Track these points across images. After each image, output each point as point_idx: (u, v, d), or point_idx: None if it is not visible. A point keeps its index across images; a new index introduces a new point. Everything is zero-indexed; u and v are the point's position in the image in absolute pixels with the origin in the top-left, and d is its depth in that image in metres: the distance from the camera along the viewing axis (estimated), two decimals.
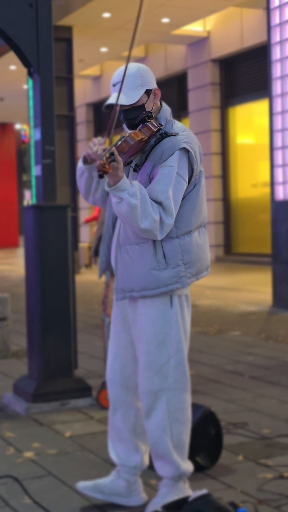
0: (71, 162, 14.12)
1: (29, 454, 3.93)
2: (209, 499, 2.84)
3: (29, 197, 30.43)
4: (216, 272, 14.52)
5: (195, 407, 3.69)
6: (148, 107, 3.01)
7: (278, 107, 9.32)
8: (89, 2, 13.24)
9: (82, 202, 19.92)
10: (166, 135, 2.96)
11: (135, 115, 2.98)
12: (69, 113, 14.28)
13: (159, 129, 2.95)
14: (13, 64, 17.36)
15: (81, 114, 22.64)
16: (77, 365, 5.49)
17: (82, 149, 22.78)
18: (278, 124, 9.33)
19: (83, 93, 21.98)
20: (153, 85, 3.04)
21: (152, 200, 2.88)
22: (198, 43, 16.91)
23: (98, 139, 3.04)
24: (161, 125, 2.98)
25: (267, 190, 14.02)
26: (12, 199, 30.04)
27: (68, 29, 14.48)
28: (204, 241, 3.10)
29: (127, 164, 3.04)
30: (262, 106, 14.92)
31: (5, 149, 30.56)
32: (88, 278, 13.45)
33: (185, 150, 2.95)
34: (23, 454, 3.95)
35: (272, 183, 9.43)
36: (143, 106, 2.99)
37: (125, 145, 2.86)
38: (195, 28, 16.43)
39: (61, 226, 4.87)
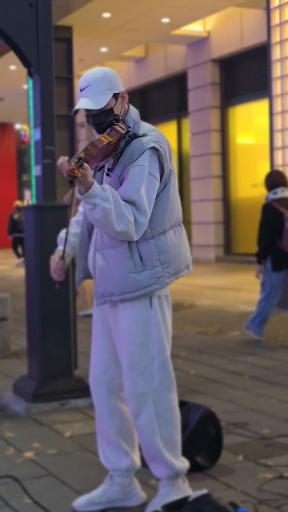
0: None
1: (29, 454, 3.93)
2: (209, 499, 2.84)
3: (29, 197, 30.43)
4: (216, 272, 14.52)
5: (195, 407, 3.70)
6: (116, 111, 2.98)
7: (278, 107, 9.32)
8: (89, 2, 13.24)
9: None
10: (135, 136, 2.96)
11: (103, 119, 2.96)
12: (69, 113, 14.27)
13: (128, 131, 2.95)
14: (13, 64, 17.36)
15: (81, 114, 22.58)
16: (77, 365, 5.49)
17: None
18: (278, 124, 9.33)
19: None
20: (121, 88, 3.01)
21: (125, 200, 2.86)
22: (198, 43, 16.91)
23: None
24: (129, 127, 2.97)
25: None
26: (12, 199, 30.03)
27: (68, 29, 14.48)
28: (181, 240, 3.08)
29: (99, 169, 3.03)
30: (262, 106, 14.92)
31: (5, 149, 30.56)
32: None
33: (155, 149, 2.94)
34: (23, 454, 3.95)
35: None
36: (111, 110, 2.97)
37: (94, 149, 2.83)
38: (195, 28, 16.42)
39: (61, 226, 4.85)
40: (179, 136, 18.93)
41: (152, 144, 2.92)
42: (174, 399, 3.09)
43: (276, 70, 9.32)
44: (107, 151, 2.91)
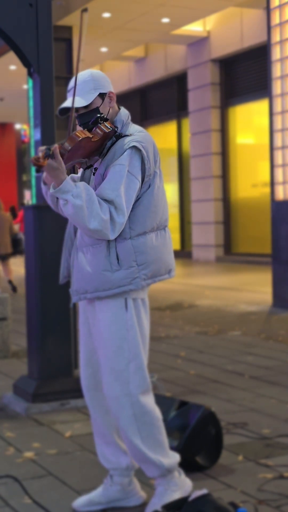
0: None
1: (29, 454, 3.93)
2: (209, 499, 2.84)
3: (29, 197, 30.47)
4: (216, 272, 14.52)
5: (195, 407, 3.70)
6: (103, 111, 2.99)
7: (278, 107, 9.32)
8: (89, 2, 13.24)
9: None
10: (120, 136, 2.96)
11: (89, 118, 2.97)
12: (69, 113, 14.28)
13: (114, 131, 2.95)
14: (13, 64, 17.36)
15: None
16: (77, 365, 5.49)
17: None
18: (278, 124, 9.33)
19: None
20: (108, 89, 3.01)
21: (103, 199, 2.86)
22: (198, 43, 16.91)
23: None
24: (116, 127, 2.97)
25: (267, 190, 14.01)
26: (12, 199, 30.04)
27: (68, 29, 14.49)
28: (163, 243, 3.06)
29: (87, 167, 3.04)
30: (262, 106, 14.92)
31: (5, 149, 30.57)
32: None
33: (137, 149, 2.92)
34: (23, 454, 3.95)
35: (272, 183, 9.43)
36: (97, 109, 2.98)
37: (69, 143, 2.84)
38: (195, 28, 16.42)
39: (61, 226, 4.85)
40: (179, 136, 18.93)
41: (134, 144, 2.91)
42: (151, 401, 3.08)
43: (276, 70, 9.32)
44: (87, 147, 2.90)
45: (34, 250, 4.87)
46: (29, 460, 3.86)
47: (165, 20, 14.74)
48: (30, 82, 5.09)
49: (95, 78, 3.00)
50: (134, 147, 2.92)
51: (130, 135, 2.96)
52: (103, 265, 2.95)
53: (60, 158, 2.78)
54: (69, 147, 2.84)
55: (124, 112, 3.05)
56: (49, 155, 2.72)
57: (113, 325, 2.99)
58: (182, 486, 3.14)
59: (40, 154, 2.72)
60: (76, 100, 2.94)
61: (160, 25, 15.06)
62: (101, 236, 2.88)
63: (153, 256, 3.01)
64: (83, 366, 3.21)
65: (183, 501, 2.90)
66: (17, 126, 31.12)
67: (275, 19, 9.34)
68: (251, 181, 16.54)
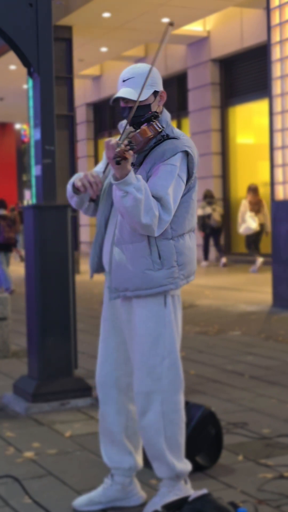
0: (71, 162, 14.11)
1: (29, 454, 3.93)
2: (209, 499, 2.84)
3: (29, 197, 30.48)
4: (216, 272, 14.52)
5: (195, 407, 3.70)
6: (153, 108, 3.04)
7: (278, 107, 9.32)
8: (89, 2, 13.24)
9: None
10: (167, 137, 2.99)
11: (140, 113, 2.99)
12: (69, 113, 14.26)
13: (161, 131, 2.98)
14: (13, 64, 17.36)
15: (81, 114, 22.63)
16: (77, 365, 5.49)
17: (82, 149, 22.78)
18: (278, 124, 9.33)
19: (83, 93, 21.97)
20: (161, 88, 3.07)
21: (152, 195, 2.89)
22: (198, 43, 16.91)
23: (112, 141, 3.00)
24: (163, 127, 3.01)
25: (267, 190, 14.01)
26: (12, 199, 30.04)
27: (68, 29, 14.47)
28: (194, 245, 3.13)
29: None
30: (262, 106, 14.91)
31: (5, 149, 30.58)
32: (88, 278, 13.43)
33: (186, 153, 2.99)
34: (23, 454, 3.95)
35: (272, 183, 9.43)
36: (149, 106, 3.02)
37: (142, 135, 2.89)
38: (195, 28, 16.42)
39: (61, 226, 4.87)
40: None
41: (186, 148, 2.97)
42: (181, 401, 3.09)
43: (276, 70, 9.32)
44: (143, 144, 2.94)
45: (34, 250, 4.87)
46: (29, 460, 3.86)
47: (165, 20, 14.73)
48: (30, 82, 5.09)
49: (153, 74, 3.02)
50: (185, 151, 2.96)
51: (177, 138, 2.99)
52: (145, 264, 2.97)
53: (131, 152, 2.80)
54: (139, 142, 2.88)
55: (167, 113, 3.11)
56: (132, 148, 2.73)
57: (150, 321, 3.01)
58: (185, 494, 3.12)
59: (123, 146, 2.70)
60: (131, 92, 2.97)
61: (160, 25, 15.04)
62: (148, 231, 2.90)
63: (189, 257, 3.07)
64: (100, 363, 3.20)
65: (183, 501, 2.90)
66: (17, 126, 31.12)
67: (275, 19, 9.34)
68: (251, 181, 16.52)
